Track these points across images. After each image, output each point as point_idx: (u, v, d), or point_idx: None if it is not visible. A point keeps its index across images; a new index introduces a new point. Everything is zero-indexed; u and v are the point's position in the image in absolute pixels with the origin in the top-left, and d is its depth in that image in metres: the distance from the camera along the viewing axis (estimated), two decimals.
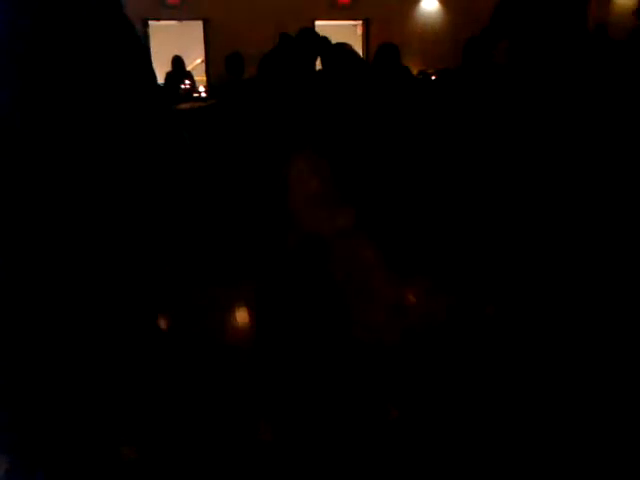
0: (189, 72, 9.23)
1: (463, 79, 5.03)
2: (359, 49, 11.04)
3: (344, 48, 3.38)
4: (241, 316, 3.83)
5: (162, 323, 3.72)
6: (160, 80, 8.30)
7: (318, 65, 4.72)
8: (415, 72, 8.94)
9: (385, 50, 5.13)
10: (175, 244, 5.01)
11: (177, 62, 8.92)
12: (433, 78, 9.55)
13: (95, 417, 2.63)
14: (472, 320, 3.57)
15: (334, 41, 4.69)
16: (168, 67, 8.90)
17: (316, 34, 4.65)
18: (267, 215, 3.95)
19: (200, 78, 10.64)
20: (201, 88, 8.96)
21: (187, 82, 8.68)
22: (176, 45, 10.14)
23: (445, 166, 5.04)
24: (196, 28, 11.37)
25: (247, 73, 6.83)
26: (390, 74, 5.02)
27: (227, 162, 5.44)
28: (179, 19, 11.38)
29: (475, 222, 4.78)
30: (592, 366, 3.02)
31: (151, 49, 8.90)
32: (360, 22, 12.18)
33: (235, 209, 5.04)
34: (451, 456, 2.41)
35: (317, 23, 10.63)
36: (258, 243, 4.18)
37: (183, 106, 7.29)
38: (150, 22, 10.93)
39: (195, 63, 11.49)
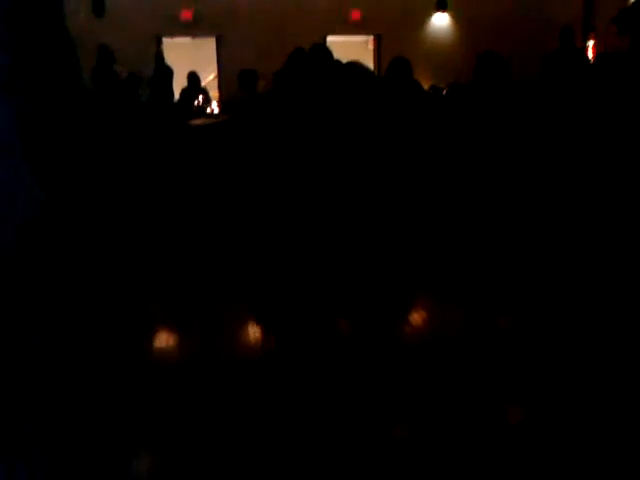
0: (204, 88, 9.31)
1: (476, 94, 5.05)
2: (370, 64, 11.10)
3: (356, 66, 3.41)
4: (248, 328, 3.85)
5: (170, 335, 3.75)
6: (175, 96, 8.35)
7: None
8: (426, 87, 8.97)
9: (397, 64, 5.16)
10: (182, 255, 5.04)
11: (192, 78, 8.99)
12: (444, 93, 9.58)
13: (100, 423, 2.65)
14: (483, 332, 3.57)
15: (346, 56, 4.73)
16: (181, 83, 8.98)
17: (328, 50, 4.69)
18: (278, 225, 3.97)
19: (213, 94, 10.73)
20: (214, 104, 9.04)
21: (201, 98, 8.75)
22: (189, 62, 10.24)
23: (455, 178, 5.06)
24: (209, 45, 11.48)
25: (258, 88, 6.89)
26: (401, 88, 5.05)
27: (243, 175, 5.49)
28: (192, 36, 11.49)
29: (482, 233, 4.79)
30: (597, 372, 3.01)
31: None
32: (371, 37, 12.25)
33: (247, 220, 5.07)
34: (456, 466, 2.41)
35: (329, 39, 10.71)
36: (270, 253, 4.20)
37: (196, 122, 7.36)
38: (164, 39, 11.06)
39: (208, 79, 11.59)
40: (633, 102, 4.96)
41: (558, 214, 4.96)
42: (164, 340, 3.72)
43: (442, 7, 11.98)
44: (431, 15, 12.12)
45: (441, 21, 12.16)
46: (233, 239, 5.26)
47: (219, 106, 8.94)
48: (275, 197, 4.33)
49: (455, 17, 12.06)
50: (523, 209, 4.95)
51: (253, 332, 3.83)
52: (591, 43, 11.14)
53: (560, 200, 4.99)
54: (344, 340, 3.31)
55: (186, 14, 11.00)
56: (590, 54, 10.29)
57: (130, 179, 7.24)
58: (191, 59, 10.74)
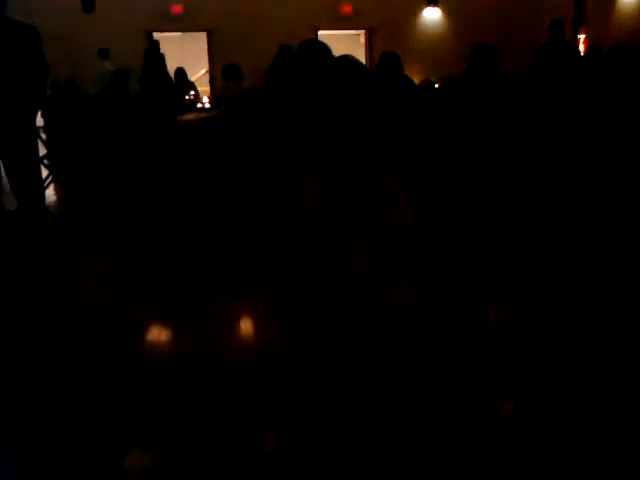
0: (192, 83, 9.27)
1: (468, 88, 5.03)
2: (362, 58, 11.08)
3: (348, 59, 3.38)
4: (247, 326, 3.84)
5: (168, 330, 3.73)
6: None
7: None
8: (418, 81, 8.96)
9: (387, 59, 5.14)
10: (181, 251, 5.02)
11: (180, 74, 8.97)
12: (436, 86, 9.59)
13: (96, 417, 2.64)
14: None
15: (337, 50, 4.71)
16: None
17: (320, 44, 4.65)
18: (275, 219, 3.95)
19: (204, 89, 10.69)
20: (205, 99, 9.00)
21: (192, 93, 8.72)
22: (180, 56, 10.19)
23: (451, 173, 5.05)
24: (200, 39, 11.43)
25: (248, 83, 6.84)
26: (392, 83, 5.03)
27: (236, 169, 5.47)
28: (183, 31, 11.44)
29: (474, 232, 4.79)
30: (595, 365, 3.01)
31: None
32: (363, 31, 12.23)
33: (245, 214, 5.05)
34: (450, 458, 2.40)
35: (320, 33, 10.68)
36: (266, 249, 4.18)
37: (188, 117, 7.33)
38: (154, 34, 11.01)
39: (199, 74, 11.54)
40: (626, 95, 4.97)
41: (553, 209, 4.97)
42: (158, 336, 3.70)
43: (433, 1, 11.98)
44: (422, 9, 12.11)
45: (432, 15, 12.15)
46: (228, 234, 5.24)
47: (210, 101, 8.90)
48: (267, 192, 4.31)
49: (446, 11, 12.05)
50: (517, 202, 4.96)
51: (250, 329, 3.82)
52: (582, 37, 11.17)
53: (554, 193, 4.99)
54: (342, 337, 3.30)
55: (176, 8, 10.95)
56: (582, 47, 10.32)
57: (122, 173, 7.21)
58: (182, 54, 10.70)
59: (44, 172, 6.30)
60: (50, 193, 6.90)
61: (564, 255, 4.44)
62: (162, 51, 9.19)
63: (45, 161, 7.18)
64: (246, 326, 3.83)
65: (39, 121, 7.32)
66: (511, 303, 3.87)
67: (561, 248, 4.55)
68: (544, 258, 4.42)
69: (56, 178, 7.33)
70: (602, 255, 4.36)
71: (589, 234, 4.63)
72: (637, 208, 4.70)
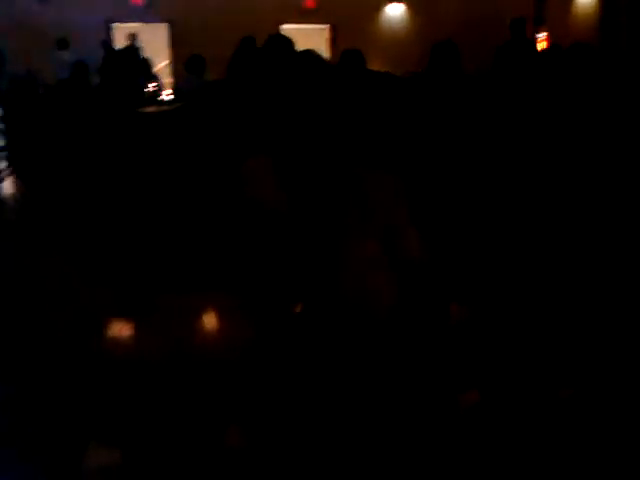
0: (155, 75, 9.17)
1: (430, 84, 5.06)
2: (326, 53, 11.08)
3: (311, 54, 3.38)
4: (211, 322, 3.82)
5: (131, 327, 3.69)
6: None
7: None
8: None
9: (349, 56, 5.13)
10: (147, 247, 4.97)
11: (144, 65, 8.86)
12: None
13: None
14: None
15: (301, 45, 4.69)
16: None
17: (287, 40, 4.63)
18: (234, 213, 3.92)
19: (165, 81, 10.57)
20: (168, 91, 8.91)
21: (154, 84, 8.63)
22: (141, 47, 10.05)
23: (415, 171, 5.07)
24: (162, 31, 11.30)
25: (210, 76, 6.79)
26: (354, 79, 5.03)
27: (197, 162, 5.42)
28: (145, 21, 11.28)
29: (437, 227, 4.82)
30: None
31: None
32: (327, 26, 12.21)
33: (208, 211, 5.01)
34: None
35: (284, 27, 10.64)
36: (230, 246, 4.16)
37: (149, 109, 7.25)
38: (114, 24, 10.84)
39: (162, 65, 11.40)
40: (584, 92, 5.06)
41: (518, 207, 5.02)
42: (123, 334, 3.66)
43: None
44: (387, 4, 12.15)
45: (396, 11, 12.19)
46: (190, 228, 5.21)
47: (172, 93, 8.82)
48: (228, 186, 4.29)
49: (410, 7, 12.10)
50: (476, 200, 5.00)
51: (218, 324, 3.80)
52: (542, 35, 11.34)
53: (516, 191, 5.05)
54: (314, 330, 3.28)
55: None
56: (544, 45, 10.46)
57: (82, 165, 7.10)
58: (144, 45, 10.55)
59: (3, 163, 6.18)
60: (7, 186, 6.77)
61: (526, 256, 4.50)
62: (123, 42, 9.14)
63: (4, 152, 7.05)
64: (214, 322, 3.81)
65: None
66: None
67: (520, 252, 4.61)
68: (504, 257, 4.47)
69: (14, 170, 7.19)
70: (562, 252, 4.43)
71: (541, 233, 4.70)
72: (594, 200, 4.78)
